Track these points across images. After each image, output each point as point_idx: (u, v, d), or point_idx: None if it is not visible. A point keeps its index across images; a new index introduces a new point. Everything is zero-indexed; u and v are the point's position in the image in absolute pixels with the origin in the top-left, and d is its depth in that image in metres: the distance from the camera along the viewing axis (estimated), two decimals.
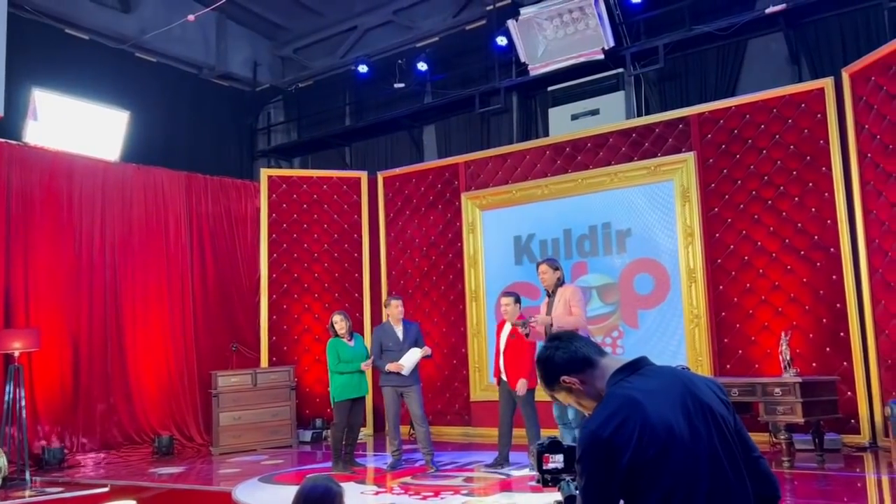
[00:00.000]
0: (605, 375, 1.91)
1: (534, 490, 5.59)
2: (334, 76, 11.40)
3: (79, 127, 8.61)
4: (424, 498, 5.46)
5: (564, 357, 1.96)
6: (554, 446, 2.08)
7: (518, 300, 6.60)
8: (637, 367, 1.89)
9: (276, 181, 9.94)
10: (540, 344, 5.15)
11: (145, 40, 9.98)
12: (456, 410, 9.16)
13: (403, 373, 6.69)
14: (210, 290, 9.71)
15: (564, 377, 1.95)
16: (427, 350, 6.85)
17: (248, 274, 10.05)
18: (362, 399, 7.06)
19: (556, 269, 5.95)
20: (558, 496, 2.08)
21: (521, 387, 6.29)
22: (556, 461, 2.06)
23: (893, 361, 6.38)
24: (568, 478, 2.05)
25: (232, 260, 9.99)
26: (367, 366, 6.96)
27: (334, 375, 6.84)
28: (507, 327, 6.59)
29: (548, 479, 2.08)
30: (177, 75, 10.70)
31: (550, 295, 5.97)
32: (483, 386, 8.91)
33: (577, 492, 2.02)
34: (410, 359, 6.70)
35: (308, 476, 2.01)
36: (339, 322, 7.03)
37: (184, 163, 9.96)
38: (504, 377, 6.49)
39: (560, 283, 5.92)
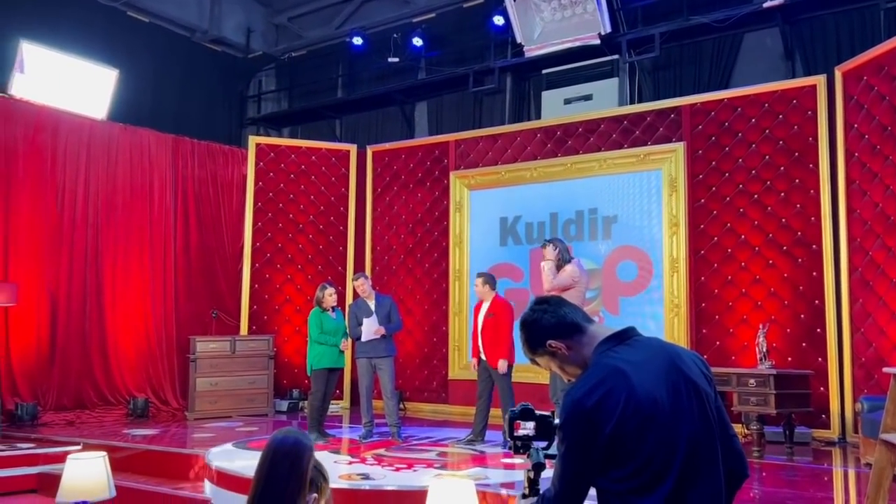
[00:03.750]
0: (592, 343, 1.89)
1: (507, 467, 5.64)
2: (328, 47, 11.29)
3: (66, 82, 8.50)
4: (398, 469, 5.49)
5: (552, 321, 1.93)
6: (526, 413, 2.07)
7: (489, 282, 6.64)
8: (625, 337, 1.87)
9: (265, 149, 9.86)
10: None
11: None
12: (433, 387, 9.20)
13: (364, 338, 6.70)
14: (192, 255, 9.66)
15: (551, 341, 1.92)
16: (381, 329, 6.78)
17: (232, 241, 10.00)
18: (338, 371, 7.08)
19: (556, 248, 5.88)
20: (530, 470, 2.08)
21: (502, 366, 6.33)
22: (526, 428, 2.05)
23: (867, 359, 6.46)
24: (538, 445, 2.05)
25: (216, 226, 9.93)
26: (346, 346, 6.98)
27: (314, 345, 6.84)
28: (485, 307, 6.62)
29: (518, 446, 2.07)
30: (168, 37, 10.55)
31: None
32: (462, 364, 8.94)
33: (545, 459, 2.04)
34: (367, 328, 6.73)
35: (279, 428, 2.01)
36: (333, 294, 7.05)
37: (171, 125, 9.86)
38: (483, 356, 6.52)
39: (564, 260, 5.87)
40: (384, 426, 6.96)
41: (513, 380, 6.52)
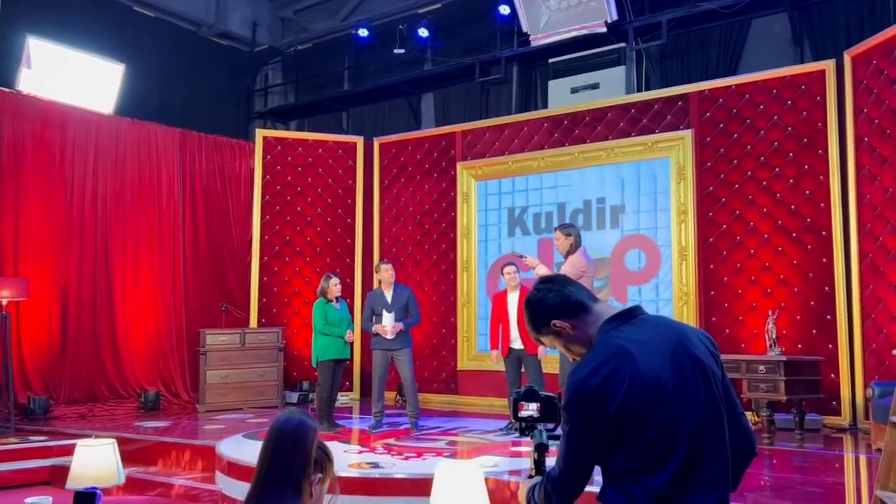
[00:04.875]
0: (597, 322, 1.87)
1: (516, 455, 5.64)
2: (334, 39, 11.29)
3: (73, 77, 8.53)
4: (407, 458, 5.50)
5: (556, 300, 1.90)
6: (530, 394, 2.07)
7: (519, 270, 6.76)
8: (630, 315, 1.84)
9: (272, 142, 9.88)
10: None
11: None
12: (443, 378, 9.21)
13: (388, 336, 6.71)
14: (201, 249, 9.70)
15: (555, 321, 1.90)
16: (399, 325, 6.74)
17: (240, 234, 10.03)
18: (344, 362, 7.10)
19: (568, 234, 5.81)
20: (535, 451, 2.07)
21: (542, 351, 6.35)
22: (530, 409, 2.05)
23: (878, 345, 6.42)
24: (541, 426, 2.05)
25: (224, 219, 9.96)
26: (350, 336, 7.00)
27: (319, 336, 6.85)
28: (513, 296, 6.64)
29: (523, 427, 2.07)
30: (175, 31, 10.57)
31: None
32: (470, 355, 8.96)
33: (548, 440, 2.03)
34: (386, 322, 6.73)
35: (283, 410, 2.02)
36: (338, 284, 7.06)
37: (178, 120, 9.89)
38: (516, 345, 6.51)
39: (574, 249, 5.84)
40: (394, 417, 6.96)
41: (522, 369, 6.54)
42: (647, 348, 1.75)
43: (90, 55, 8.68)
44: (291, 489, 1.82)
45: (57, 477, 6.17)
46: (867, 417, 6.22)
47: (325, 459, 1.92)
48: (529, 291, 2.00)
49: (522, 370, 6.61)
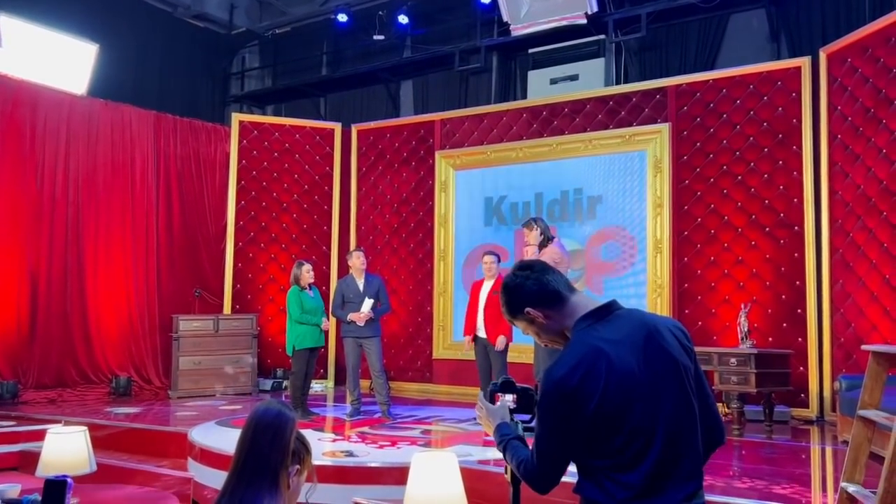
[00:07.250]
0: (573, 314, 1.87)
1: (487, 444, 5.67)
2: (313, 24, 11.17)
3: (45, 57, 8.35)
4: (381, 447, 5.51)
5: (535, 288, 1.90)
6: (506, 386, 2.08)
7: (499, 259, 6.81)
8: (606, 312, 1.85)
9: (248, 127, 9.77)
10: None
11: None
12: (418, 367, 9.23)
13: (360, 323, 6.70)
14: (175, 234, 9.58)
15: (530, 309, 1.90)
16: (370, 313, 6.71)
17: (215, 220, 9.92)
18: (319, 350, 7.08)
19: (533, 227, 5.81)
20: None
21: (500, 342, 6.39)
22: (505, 401, 2.07)
23: (846, 339, 6.54)
24: (518, 418, 2.06)
25: (199, 204, 9.84)
26: (326, 325, 6.98)
27: (295, 325, 6.81)
28: (487, 285, 6.67)
29: None
30: (150, 12, 10.38)
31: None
32: (446, 344, 8.97)
33: (524, 432, 2.04)
34: (365, 307, 6.73)
35: (261, 400, 2.01)
36: (310, 271, 7.01)
37: (153, 102, 9.73)
38: (481, 333, 6.55)
39: (546, 241, 5.82)
40: (369, 405, 6.96)
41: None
42: (622, 347, 1.76)
43: (63, 34, 8.50)
44: (269, 480, 1.82)
45: (25, 463, 6.08)
46: (834, 410, 6.35)
47: (303, 451, 1.91)
48: (507, 275, 1.99)
49: None
